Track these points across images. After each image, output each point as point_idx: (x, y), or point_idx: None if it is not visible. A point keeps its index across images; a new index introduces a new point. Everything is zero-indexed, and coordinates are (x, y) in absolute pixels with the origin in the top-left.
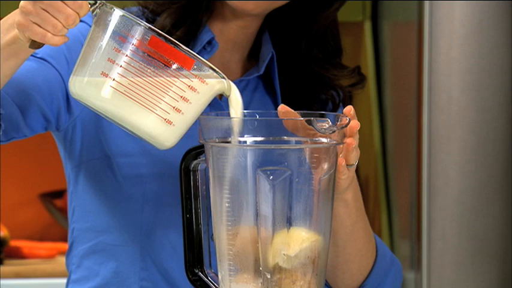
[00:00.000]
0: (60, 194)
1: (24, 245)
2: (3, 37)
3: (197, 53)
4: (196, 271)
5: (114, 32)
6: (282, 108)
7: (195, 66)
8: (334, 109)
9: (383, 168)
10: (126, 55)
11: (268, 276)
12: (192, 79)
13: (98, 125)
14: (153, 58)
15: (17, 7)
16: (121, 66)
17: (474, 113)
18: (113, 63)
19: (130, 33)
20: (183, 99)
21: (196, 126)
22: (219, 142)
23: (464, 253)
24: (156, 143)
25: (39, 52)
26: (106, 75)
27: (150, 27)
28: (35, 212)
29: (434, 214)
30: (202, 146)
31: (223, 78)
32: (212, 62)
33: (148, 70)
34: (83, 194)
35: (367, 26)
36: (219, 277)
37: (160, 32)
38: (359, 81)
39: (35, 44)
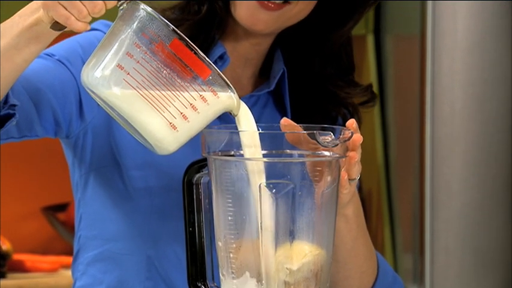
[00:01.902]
0: (63, 207)
1: (27, 259)
2: (26, 19)
3: None
4: (199, 284)
5: (138, 27)
6: (285, 121)
7: (210, 77)
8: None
9: (386, 182)
10: (146, 52)
11: None
12: (205, 89)
13: (110, 133)
14: (171, 61)
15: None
16: (138, 62)
17: (477, 125)
18: (131, 58)
19: (155, 31)
20: (192, 107)
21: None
22: (222, 155)
23: (467, 266)
24: (156, 146)
25: (56, 54)
26: (121, 68)
27: (174, 29)
28: (37, 226)
29: (437, 227)
30: (205, 159)
31: (235, 95)
32: None
33: (164, 72)
34: (91, 202)
35: (370, 40)
36: None
37: (183, 36)
38: (370, 99)
39: (57, 26)
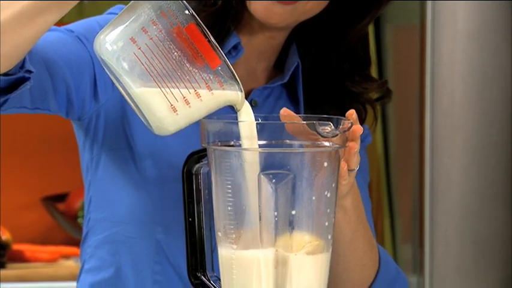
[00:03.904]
0: (63, 197)
1: (27, 249)
2: None
3: None
4: (199, 275)
5: (158, 5)
6: (284, 112)
7: (219, 68)
8: (360, 123)
9: (385, 172)
10: (161, 31)
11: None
12: (211, 79)
13: (124, 116)
14: (184, 44)
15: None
16: (151, 38)
17: (476, 115)
18: (145, 33)
19: (173, 12)
20: (196, 94)
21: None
22: (221, 146)
23: (466, 257)
24: (154, 125)
25: (75, 31)
26: (134, 42)
27: (193, 14)
28: (37, 216)
29: (436, 218)
30: (204, 150)
31: (241, 91)
32: (238, 69)
33: (175, 53)
34: (101, 184)
35: (370, 30)
36: (222, 281)
37: (200, 22)
38: (386, 94)
39: None
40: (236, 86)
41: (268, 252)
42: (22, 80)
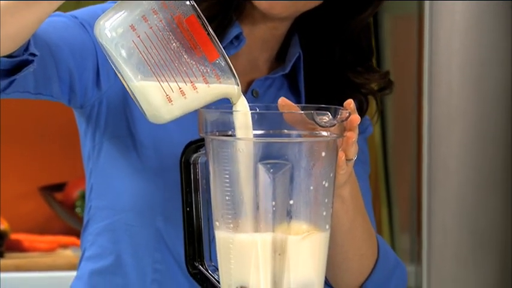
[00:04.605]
0: (61, 187)
1: (25, 238)
2: None
3: (225, 47)
4: (197, 264)
5: None
6: (282, 101)
7: (217, 61)
8: (362, 114)
9: (383, 162)
10: (161, 20)
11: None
12: (209, 71)
13: (126, 105)
14: (183, 36)
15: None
16: (151, 27)
17: (474, 105)
18: (146, 22)
19: (175, 3)
20: (192, 85)
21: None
22: (219, 135)
23: (464, 246)
24: (148, 112)
25: (79, 17)
26: (134, 29)
27: (194, 6)
28: (35, 205)
29: (434, 207)
30: (202, 139)
31: (237, 85)
32: (240, 59)
33: (174, 44)
34: (103, 172)
35: None
36: (220, 270)
37: (201, 15)
38: (387, 86)
39: None
40: (233, 79)
41: (266, 235)
42: (26, 63)
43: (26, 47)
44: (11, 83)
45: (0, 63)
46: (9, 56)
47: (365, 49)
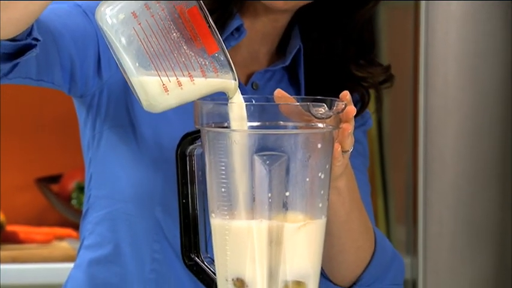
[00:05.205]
0: (57, 178)
1: (21, 230)
2: None
3: (225, 38)
4: (193, 256)
5: None
6: (278, 93)
7: (216, 54)
8: (363, 107)
9: (379, 153)
10: (163, 9)
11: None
12: (207, 64)
13: (127, 94)
14: (184, 26)
15: None
16: (153, 16)
17: (470, 96)
18: (148, 10)
19: None
20: (190, 76)
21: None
22: (215, 127)
23: (460, 237)
24: (144, 101)
25: (82, 5)
26: (135, 16)
27: None
28: (31, 197)
29: (430, 198)
30: (198, 131)
31: (234, 79)
32: (240, 51)
33: (174, 34)
34: (103, 161)
35: None
36: (216, 262)
37: (204, 7)
38: (388, 79)
39: None
40: (231, 74)
41: (262, 223)
42: (29, 48)
43: (29, 32)
44: (13, 67)
45: (3, 46)
46: (12, 40)
47: (367, 42)
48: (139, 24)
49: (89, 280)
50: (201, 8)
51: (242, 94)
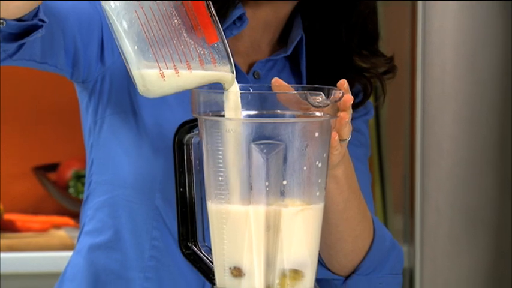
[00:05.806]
0: (54, 167)
1: (18, 219)
2: None
3: (227, 27)
4: (190, 245)
5: None
6: (276, 81)
7: (215, 45)
8: (365, 97)
9: (376, 142)
10: None
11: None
12: (206, 54)
13: (129, 81)
14: (186, 14)
15: None
16: (155, 1)
17: (468, 85)
18: None
19: None
20: (188, 65)
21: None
22: (212, 116)
23: (457, 225)
24: (140, 85)
25: None
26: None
27: None
28: (28, 186)
29: (427, 186)
30: (196, 120)
31: (232, 72)
32: (242, 40)
33: (175, 21)
34: (104, 146)
35: None
36: (213, 251)
37: None
38: (391, 70)
39: None
40: (229, 66)
41: (260, 207)
42: (35, 29)
43: (35, 13)
44: (19, 48)
45: (9, 26)
46: (19, 20)
47: (371, 32)
48: (142, 7)
49: (89, 266)
50: None
51: (243, 83)
